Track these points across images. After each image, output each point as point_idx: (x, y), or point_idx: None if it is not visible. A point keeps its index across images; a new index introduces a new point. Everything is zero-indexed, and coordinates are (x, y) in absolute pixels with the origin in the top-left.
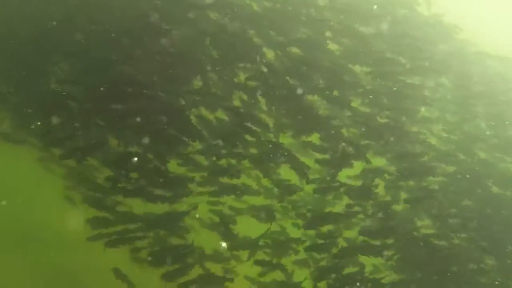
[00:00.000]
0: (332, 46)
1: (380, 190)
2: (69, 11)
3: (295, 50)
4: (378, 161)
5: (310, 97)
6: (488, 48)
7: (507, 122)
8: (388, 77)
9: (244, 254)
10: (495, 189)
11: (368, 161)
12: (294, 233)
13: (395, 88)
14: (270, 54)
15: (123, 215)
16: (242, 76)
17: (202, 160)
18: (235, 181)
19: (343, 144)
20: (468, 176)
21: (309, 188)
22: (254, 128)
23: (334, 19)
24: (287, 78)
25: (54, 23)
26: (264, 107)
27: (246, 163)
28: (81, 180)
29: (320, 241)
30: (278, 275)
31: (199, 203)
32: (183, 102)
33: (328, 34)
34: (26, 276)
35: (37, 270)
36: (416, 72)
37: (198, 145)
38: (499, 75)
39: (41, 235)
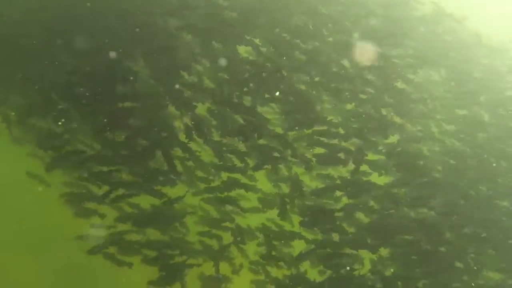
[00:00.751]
0: (330, 39)
1: (381, 185)
2: (66, 8)
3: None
4: (379, 157)
5: (311, 91)
6: (494, 41)
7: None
8: (389, 71)
9: (246, 249)
10: (500, 181)
11: (369, 157)
12: (297, 228)
13: (396, 83)
14: (270, 48)
15: (123, 211)
16: (243, 70)
17: (205, 155)
18: (238, 177)
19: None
20: (471, 169)
21: (313, 184)
22: (256, 123)
23: (333, 11)
24: (290, 72)
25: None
26: (267, 102)
27: (250, 158)
28: (78, 175)
29: (323, 236)
30: (281, 270)
31: (202, 199)
32: (183, 96)
33: (327, 26)
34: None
35: (28, 268)
36: (418, 65)
37: (200, 141)
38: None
39: (36, 232)
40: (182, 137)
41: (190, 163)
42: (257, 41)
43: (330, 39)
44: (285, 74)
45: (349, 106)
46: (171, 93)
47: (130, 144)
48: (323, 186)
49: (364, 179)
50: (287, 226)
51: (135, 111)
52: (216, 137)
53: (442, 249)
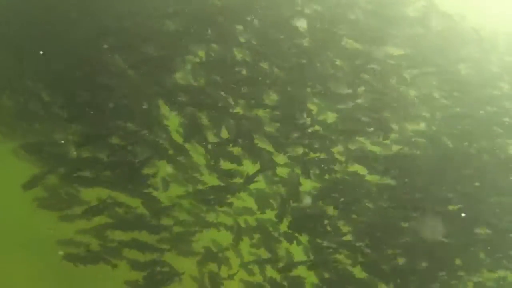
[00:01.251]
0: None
1: (376, 185)
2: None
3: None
4: (374, 157)
5: (304, 91)
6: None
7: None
8: (382, 70)
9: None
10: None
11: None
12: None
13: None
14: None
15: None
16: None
17: (199, 157)
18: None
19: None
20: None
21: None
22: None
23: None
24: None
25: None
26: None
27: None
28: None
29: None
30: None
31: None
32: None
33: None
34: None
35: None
36: (411, 63)
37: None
38: None
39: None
40: (177, 137)
41: (184, 165)
42: (247, 41)
43: (322, 37)
44: (278, 75)
45: (342, 106)
46: (163, 95)
47: (121, 149)
48: (318, 187)
49: (359, 180)
50: (283, 227)
51: (126, 114)
52: (210, 139)
53: (438, 248)
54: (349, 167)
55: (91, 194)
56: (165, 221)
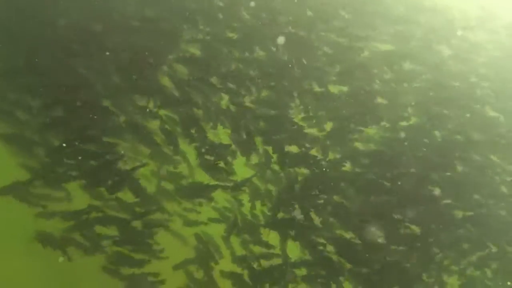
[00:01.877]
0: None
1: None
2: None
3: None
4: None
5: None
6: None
7: None
8: (370, 61)
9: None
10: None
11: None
12: None
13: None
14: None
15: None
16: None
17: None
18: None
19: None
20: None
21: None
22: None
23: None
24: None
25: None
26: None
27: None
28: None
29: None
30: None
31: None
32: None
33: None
34: None
35: None
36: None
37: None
38: None
39: None
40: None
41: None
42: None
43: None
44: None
45: (333, 102)
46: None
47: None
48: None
49: (348, 174)
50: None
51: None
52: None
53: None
54: (339, 162)
55: (74, 188)
56: (155, 216)
